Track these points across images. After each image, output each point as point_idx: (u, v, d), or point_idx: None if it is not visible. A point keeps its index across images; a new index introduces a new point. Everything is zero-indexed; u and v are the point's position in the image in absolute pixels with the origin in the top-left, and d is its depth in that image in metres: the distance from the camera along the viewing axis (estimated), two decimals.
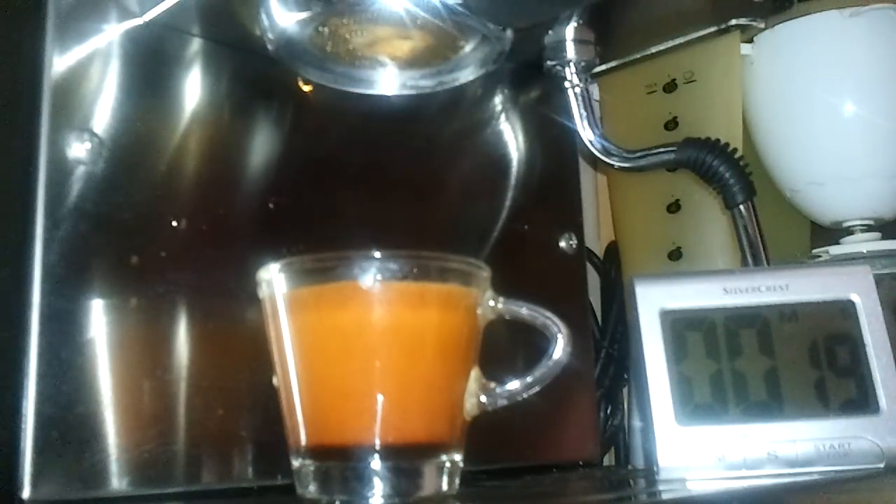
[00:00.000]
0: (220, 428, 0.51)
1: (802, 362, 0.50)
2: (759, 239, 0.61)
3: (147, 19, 0.52)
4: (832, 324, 0.51)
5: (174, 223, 0.52)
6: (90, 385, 0.47)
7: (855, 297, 0.51)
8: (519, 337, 0.46)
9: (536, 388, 0.43)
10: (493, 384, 0.43)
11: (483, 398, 0.43)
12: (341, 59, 0.52)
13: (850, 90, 0.70)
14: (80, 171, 0.48)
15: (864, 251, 0.69)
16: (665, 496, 0.46)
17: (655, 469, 0.49)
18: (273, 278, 0.42)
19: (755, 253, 0.61)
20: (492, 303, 0.43)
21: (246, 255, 0.51)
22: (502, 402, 0.43)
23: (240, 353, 0.52)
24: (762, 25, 0.69)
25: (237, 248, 0.54)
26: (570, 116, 0.63)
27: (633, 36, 0.69)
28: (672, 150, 0.62)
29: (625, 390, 0.81)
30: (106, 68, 0.51)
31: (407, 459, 0.40)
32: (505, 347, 0.52)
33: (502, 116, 0.70)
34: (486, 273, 0.43)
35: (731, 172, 0.60)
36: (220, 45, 0.56)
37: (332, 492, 0.40)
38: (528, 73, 0.69)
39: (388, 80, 0.54)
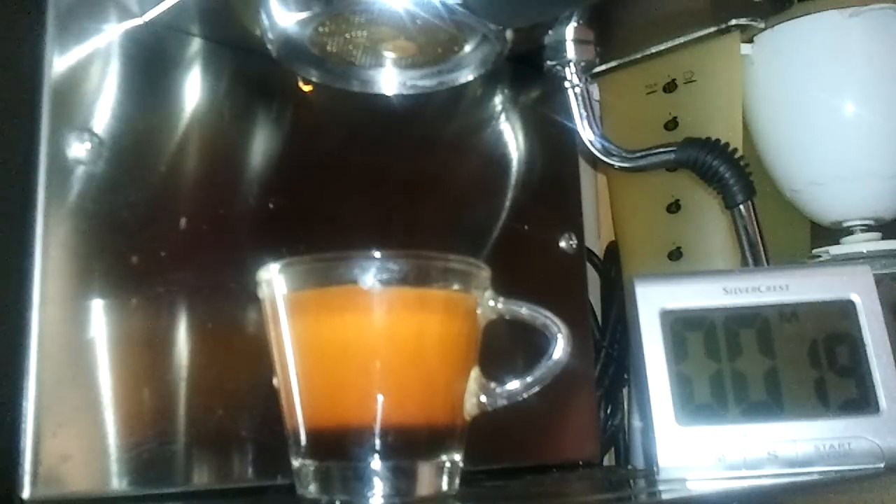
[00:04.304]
0: (220, 428, 0.51)
1: (802, 362, 0.50)
2: (759, 239, 0.61)
3: (147, 19, 0.52)
4: (832, 324, 0.51)
5: (174, 223, 0.52)
6: (90, 385, 0.47)
7: (855, 297, 0.51)
8: (519, 337, 0.46)
9: (536, 388, 0.43)
10: (493, 384, 0.43)
11: (483, 398, 0.43)
12: (341, 59, 0.52)
13: (850, 90, 0.70)
14: (80, 171, 0.48)
15: (864, 251, 0.69)
16: (665, 496, 0.46)
17: (655, 469, 0.49)
18: (273, 279, 0.42)
19: (755, 253, 0.61)
20: (492, 303, 0.43)
21: (246, 255, 0.51)
22: (502, 402, 0.43)
23: (240, 353, 0.52)
24: (762, 25, 0.69)
25: (237, 248, 0.54)
26: (570, 116, 0.63)
27: (633, 36, 0.69)
28: (672, 150, 0.62)
29: (625, 390, 0.81)
30: (106, 68, 0.51)
31: (407, 459, 0.40)
32: (505, 347, 0.52)
33: (502, 116, 0.70)
34: (486, 273, 0.43)
35: (731, 172, 0.60)
36: (220, 45, 0.56)
37: (332, 492, 0.40)
38: (528, 73, 0.69)
39: (388, 80, 0.54)
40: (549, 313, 0.43)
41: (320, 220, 0.58)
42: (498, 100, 0.70)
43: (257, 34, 0.50)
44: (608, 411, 0.80)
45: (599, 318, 0.82)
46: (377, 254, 0.40)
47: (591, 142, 0.63)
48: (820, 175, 0.72)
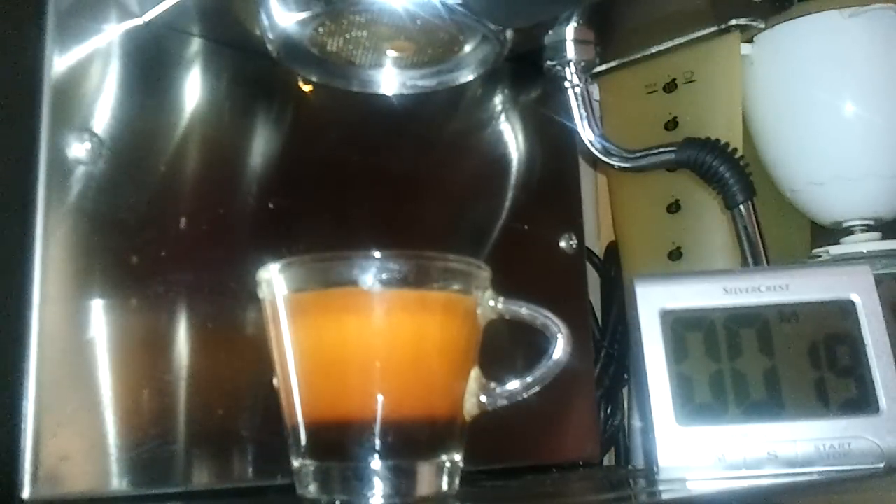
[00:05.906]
0: (220, 428, 0.51)
1: (802, 362, 0.50)
2: (759, 239, 0.61)
3: (147, 19, 0.52)
4: (832, 324, 0.51)
5: (174, 223, 0.52)
6: (90, 385, 0.47)
7: (855, 297, 0.51)
8: (519, 337, 0.46)
9: (536, 388, 0.43)
10: (493, 384, 0.43)
11: (483, 398, 0.43)
12: (341, 59, 0.52)
13: (850, 90, 0.70)
14: (80, 171, 0.48)
15: (864, 251, 0.69)
16: (665, 496, 0.46)
17: (655, 469, 0.49)
18: (273, 279, 0.42)
19: (755, 253, 0.61)
20: (492, 303, 0.43)
21: (246, 255, 0.51)
22: (502, 402, 0.43)
23: (240, 353, 0.52)
24: (762, 25, 0.69)
25: (237, 248, 0.54)
26: (570, 116, 0.63)
27: (633, 36, 0.69)
28: (672, 150, 0.62)
29: (625, 390, 0.81)
30: (106, 68, 0.51)
31: (407, 459, 0.40)
32: (505, 347, 0.52)
33: (502, 116, 0.70)
34: (486, 273, 0.43)
35: (731, 172, 0.60)
36: (220, 45, 0.56)
37: (332, 492, 0.40)
38: (528, 73, 0.69)
39: (388, 80, 0.54)
40: (549, 313, 0.43)
41: (320, 220, 0.58)
42: (498, 100, 0.70)
43: (257, 34, 0.50)
44: (608, 411, 0.80)
45: (599, 318, 0.82)
46: (377, 254, 0.40)
47: (591, 142, 0.63)
48: (820, 175, 0.72)
